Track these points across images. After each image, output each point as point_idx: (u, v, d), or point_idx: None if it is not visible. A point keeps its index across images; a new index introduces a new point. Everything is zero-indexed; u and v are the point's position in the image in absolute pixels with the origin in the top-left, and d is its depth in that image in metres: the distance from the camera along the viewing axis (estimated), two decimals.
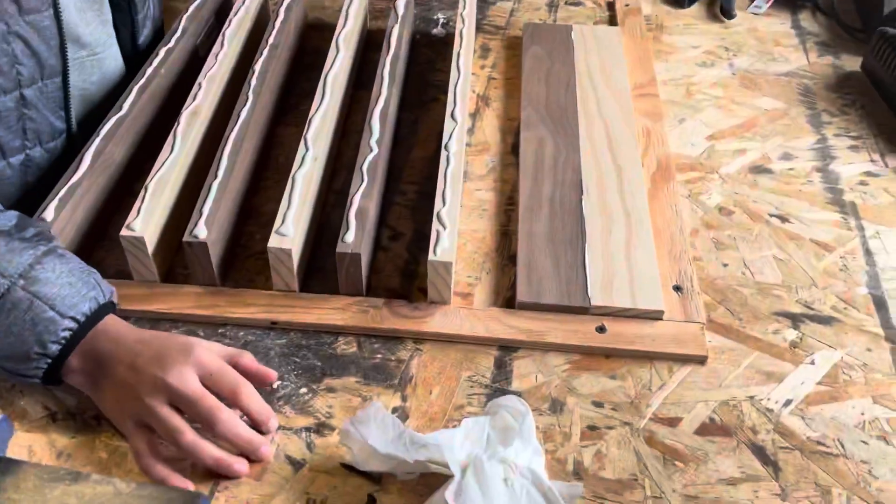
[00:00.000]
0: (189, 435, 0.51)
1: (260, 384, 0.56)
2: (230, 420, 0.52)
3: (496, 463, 0.49)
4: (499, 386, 0.59)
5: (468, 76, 0.83)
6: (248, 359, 0.56)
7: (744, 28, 1.01)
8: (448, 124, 0.74)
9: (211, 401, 0.52)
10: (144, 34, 0.84)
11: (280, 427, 0.56)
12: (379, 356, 0.61)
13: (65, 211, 0.64)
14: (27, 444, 0.55)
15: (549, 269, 0.66)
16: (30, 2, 0.65)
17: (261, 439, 0.53)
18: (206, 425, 0.52)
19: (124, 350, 0.54)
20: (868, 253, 0.70)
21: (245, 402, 0.54)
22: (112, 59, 0.80)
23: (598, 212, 0.71)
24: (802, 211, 0.75)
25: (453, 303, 0.64)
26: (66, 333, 0.54)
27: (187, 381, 0.52)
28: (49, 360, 0.53)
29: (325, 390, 0.59)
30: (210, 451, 0.52)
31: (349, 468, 0.53)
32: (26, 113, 0.68)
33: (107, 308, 0.56)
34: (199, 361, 0.53)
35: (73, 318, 0.54)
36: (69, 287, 0.54)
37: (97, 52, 0.77)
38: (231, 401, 0.53)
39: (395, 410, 0.57)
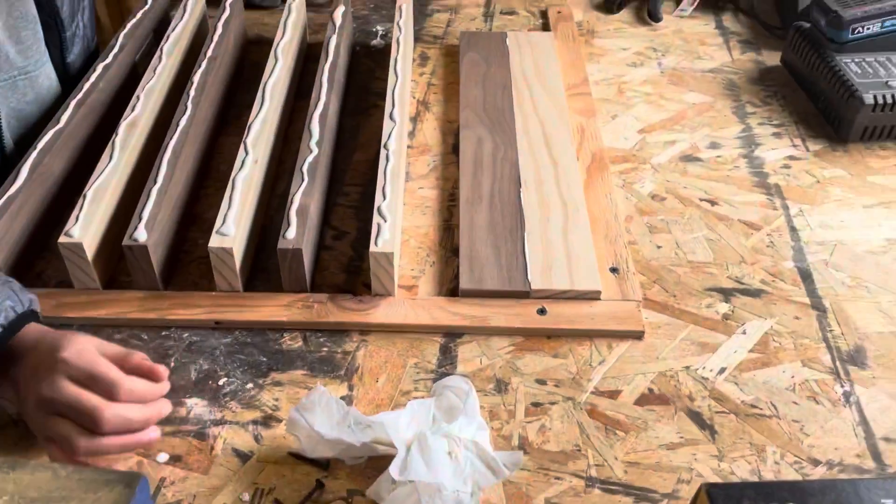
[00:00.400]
0: (81, 440, 0.49)
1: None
2: (115, 416, 0.49)
3: (440, 438, 0.50)
4: (444, 371, 0.60)
5: (406, 80, 0.85)
6: (137, 358, 0.54)
7: (670, 30, 1.05)
8: (387, 124, 0.76)
9: (88, 403, 0.49)
10: (74, 52, 0.84)
11: (226, 422, 0.56)
12: (325, 349, 0.62)
13: (1, 222, 0.63)
14: None
15: (491, 257, 0.67)
16: None
17: (156, 408, 0.52)
18: (93, 429, 0.49)
19: (28, 360, 0.52)
20: (793, 230, 0.74)
21: (124, 399, 0.51)
22: (46, 78, 0.80)
23: (537, 203, 0.73)
24: (731, 194, 0.78)
25: (398, 295, 0.66)
26: None
27: (57, 389, 0.49)
28: None
29: (271, 384, 0.59)
30: (109, 442, 0.50)
31: (297, 456, 0.54)
32: None
33: (27, 318, 0.54)
34: (67, 366, 0.50)
35: None
36: None
37: (30, 71, 0.77)
38: (109, 400, 0.50)
39: (341, 399, 0.58)
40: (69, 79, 0.83)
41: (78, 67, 0.86)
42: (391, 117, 0.77)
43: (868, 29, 0.86)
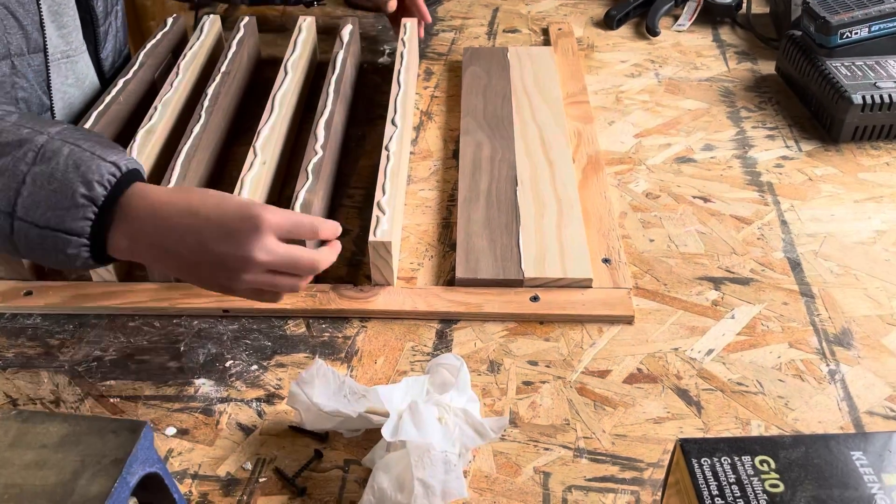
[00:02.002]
0: (295, 282, 0.56)
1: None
2: (327, 261, 0.58)
3: (431, 405, 0.52)
4: (440, 353, 0.63)
5: (408, 90, 0.89)
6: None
7: (668, 44, 1.08)
8: (388, 129, 0.80)
9: (304, 260, 0.55)
10: (107, 50, 0.90)
11: (231, 399, 0.59)
12: (327, 334, 0.65)
13: None
14: None
15: (486, 249, 0.70)
16: None
17: (337, 244, 0.60)
18: (307, 274, 0.57)
19: (179, 222, 0.53)
20: (784, 223, 0.76)
21: (326, 236, 0.59)
22: (84, 65, 0.87)
23: (532, 200, 0.76)
24: (723, 192, 0.80)
25: (397, 285, 0.68)
26: (111, 178, 0.52)
27: (273, 251, 0.54)
28: (95, 210, 0.52)
29: (275, 366, 0.62)
30: (311, 277, 0.59)
31: (297, 429, 0.56)
32: (17, 82, 0.73)
33: (135, 174, 0.55)
34: (274, 227, 0.54)
35: (115, 164, 0.53)
36: (100, 143, 0.54)
37: (70, 55, 0.83)
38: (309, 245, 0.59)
39: None
40: (103, 77, 0.90)
41: (110, 65, 0.92)
42: (393, 122, 0.81)
43: (856, 34, 0.89)
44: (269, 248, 0.54)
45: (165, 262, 0.55)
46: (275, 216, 0.54)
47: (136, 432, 0.41)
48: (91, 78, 0.88)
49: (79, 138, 0.54)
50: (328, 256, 0.58)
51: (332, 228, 0.59)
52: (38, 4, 0.76)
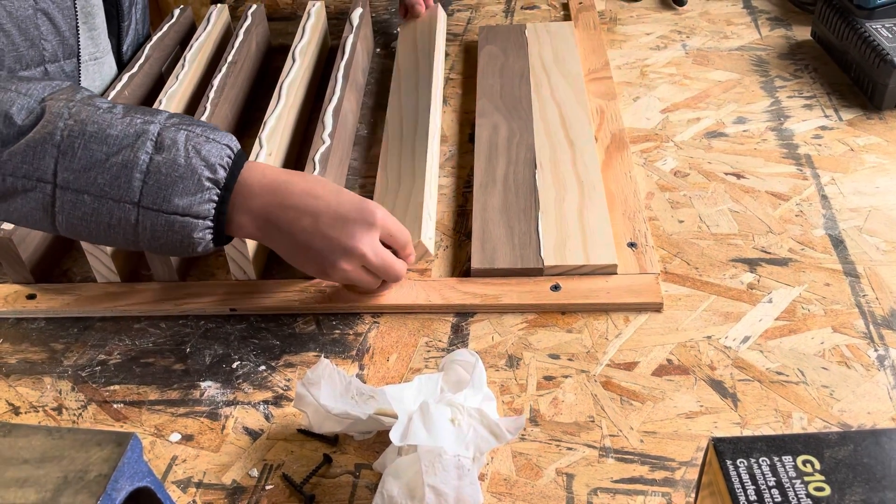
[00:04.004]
0: (378, 286, 0.61)
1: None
2: (403, 269, 0.60)
3: (444, 406, 0.49)
4: (456, 348, 0.59)
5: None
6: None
7: (696, 13, 1.03)
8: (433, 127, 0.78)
9: (394, 269, 0.59)
10: (127, 43, 0.89)
11: (238, 402, 0.56)
12: (337, 331, 0.62)
13: None
14: None
15: (503, 237, 0.66)
16: None
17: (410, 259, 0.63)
18: (388, 280, 0.61)
19: (300, 201, 0.55)
20: (824, 198, 0.70)
21: (410, 256, 0.62)
22: (109, 67, 0.85)
23: (552, 183, 0.72)
24: (758, 167, 0.75)
25: (410, 277, 0.65)
26: (228, 159, 0.54)
27: (376, 251, 0.57)
28: (218, 192, 0.54)
29: (283, 366, 0.59)
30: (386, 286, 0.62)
31: (306, 433, 0.53)
32: None
33: (241, 152, 0.57)
34: (382, 226, 0.57)
35: (227, 146, 0.55)
36: (205, 125, 0.56)
37: (98, 57, 0.82)
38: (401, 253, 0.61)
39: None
40: (122, 70, 0.88)
41: (128, 58, 0.90)
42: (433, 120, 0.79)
43: None
44: (374, 247, 0.57)
45: (274, 239, 0.57)
46: (385, 216, 0.58)
47: (123, 445, 0.38)
48: (114, 77, 0.87)
49: (188, 123, 0.55)
50: (404, 268, 0.61)
51: (411, 248, 0.62)
52: (75, 7, 0.74)
